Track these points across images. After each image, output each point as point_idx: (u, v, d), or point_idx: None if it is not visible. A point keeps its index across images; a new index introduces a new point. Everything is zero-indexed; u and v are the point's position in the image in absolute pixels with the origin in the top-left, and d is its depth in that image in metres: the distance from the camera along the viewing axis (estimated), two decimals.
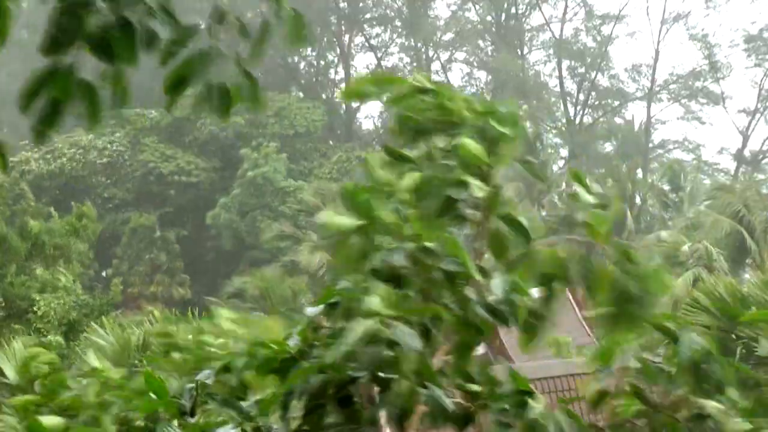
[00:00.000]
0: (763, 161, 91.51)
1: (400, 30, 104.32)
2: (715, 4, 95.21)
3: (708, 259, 39.86)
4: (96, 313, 25.11)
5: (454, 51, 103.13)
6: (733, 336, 18.39)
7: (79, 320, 24.81)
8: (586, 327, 45.88)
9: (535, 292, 4.52)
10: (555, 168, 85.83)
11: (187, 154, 75.87)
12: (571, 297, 46.71)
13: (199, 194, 75.58)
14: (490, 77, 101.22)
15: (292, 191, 70.22)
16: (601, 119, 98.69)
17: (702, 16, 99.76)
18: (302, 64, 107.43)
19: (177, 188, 74.60)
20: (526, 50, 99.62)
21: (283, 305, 44.28)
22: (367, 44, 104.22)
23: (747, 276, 42.50)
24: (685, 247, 41.55)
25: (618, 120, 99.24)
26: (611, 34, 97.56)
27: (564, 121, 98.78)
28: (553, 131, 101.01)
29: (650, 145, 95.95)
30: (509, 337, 41.44)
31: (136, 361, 20.93)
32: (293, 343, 4.57)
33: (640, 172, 78.48)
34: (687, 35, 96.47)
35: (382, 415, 4.17)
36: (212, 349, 5.87)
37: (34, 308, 24.39)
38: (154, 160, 74.68)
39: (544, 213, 66.36)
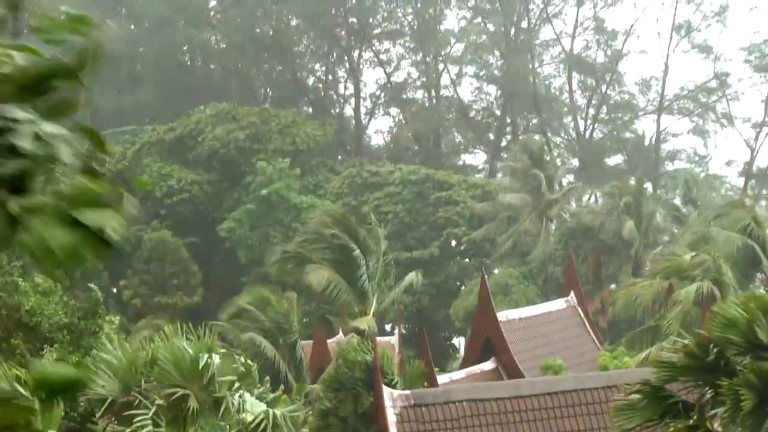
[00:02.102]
0: None
1: (409, 45, 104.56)
2: (721, 18, 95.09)
3: (717, 273, 39.70)
4: (89, 316, 24.46)
5: (464, 65, 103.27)
6: None
7: (73, 323, 24.09)
8: (596, 340, 45.80)
9: None
10: (564, 181, 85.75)
11: (182, 171, 75.88)
12: (581, 312, 46.80)
13: (197, 209, 75.72)
14: (499, 91, 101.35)
15: (305, 208, 70.13)
16: (611, 133, 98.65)
17: (709, 29, 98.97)
18: (311, 79, 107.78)
19: (169, 208, 74.62)
20: (536, 64, 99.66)
21: (275, 323, 44.29)
22: (376, 59, 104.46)
23: (760, 291, 42.31)
24: (687, 257, 41.42)
25: (628, 134, 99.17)
26: (622, 48, 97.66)
27: (574, 134, 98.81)
28: (563, 145, 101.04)
29: (660, 159, 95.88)
30: (519, 352, 41.32)
31: (143, 378, 20.87)
32: None
33: (650, 186, 78.41)
34: (695, 49, 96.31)
35: None
36: None
37: (30, 318, 23.26)
38: (150, 182, 74.78)
39: (553, 226, 66.30)
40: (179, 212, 74.61)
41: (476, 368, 40.63)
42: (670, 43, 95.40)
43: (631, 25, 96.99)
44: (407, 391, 25.44)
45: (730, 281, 39.58)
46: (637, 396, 16.65)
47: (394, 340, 50.32)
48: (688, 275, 40.60)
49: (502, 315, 43.32)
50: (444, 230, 72.87)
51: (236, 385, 20.86)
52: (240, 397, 20.87)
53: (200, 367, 20.31)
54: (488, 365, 41.05)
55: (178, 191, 74.54)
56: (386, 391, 24.67)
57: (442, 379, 38.06)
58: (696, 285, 39.25)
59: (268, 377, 27.53)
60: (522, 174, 66.41)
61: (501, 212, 67.33)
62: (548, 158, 68.17)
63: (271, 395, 23.82)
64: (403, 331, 61.61)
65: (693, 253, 41.79)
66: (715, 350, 15.58)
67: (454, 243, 74.46)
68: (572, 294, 47.00)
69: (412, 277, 51.79)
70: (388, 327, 68.87)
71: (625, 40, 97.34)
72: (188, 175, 75.43)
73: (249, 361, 22.98)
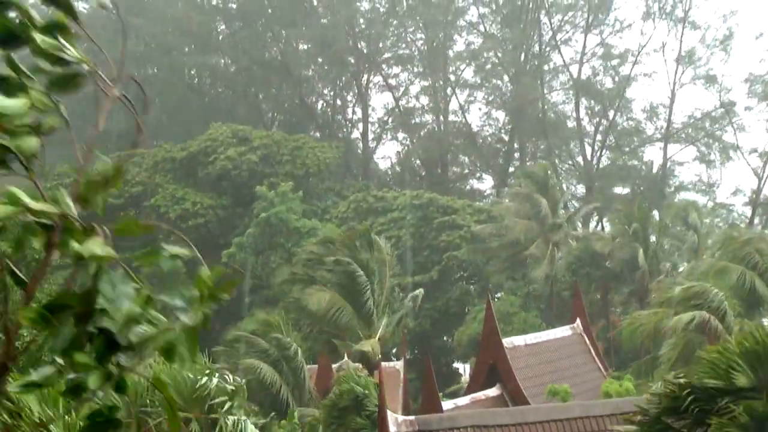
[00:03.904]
0: None
1: (418, 70, 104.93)
2: (725, 46, 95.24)
3: (717, 302, 39.58)
4: None
5: (473, 91, 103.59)
6: None
7: None
8: (602, 368, 45.65)
9: None
10: (571, 208, 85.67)
11: (196, 194, 76.28)
12: (587, 338, 46.66)
13: (210, 233, 75.99)
14: (508, 117, 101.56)
15: (306, 232, 70.23)
16: (619, 161, 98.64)
17: (714, 57, 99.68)
18: (320, 104, 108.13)
19: (185, 231, 74.95)
20: (545, 90, 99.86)
21: (278, 348, 44.32)
22: (384, 84, 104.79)
23: (765, 321, 42.16)
24: (688, 287, 41.33)
25: (635, 161, 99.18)
26: (629, 74, 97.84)
27: (581, 160, 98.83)
28: (571, 171, 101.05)
29: (667, 187, 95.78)
30: (525, 378, 41.19)
31: (147, 401, 20.84)
32: None
33: (656, 214, 78.26)
34: (702, 77, 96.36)
35: None
36: None
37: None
38: (164, 204, 75.22)
39: (559, 254, 66.18)
40: (191, 237, 74.74)
41: (481, 394, 40.53)
42: (676, 71, 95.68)
43: (638, 52, 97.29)
44: (412, 417, 25.34)
45: (731, 312, 39.44)
46: (633, 427, 16.58)
47: (399, 365, 50.25)
48: (692, 304, 40.52)
49: (508, 341, 43.26)
50: (446, 253, 72.88)
51: (230, 404, 20.83)
52: (243, 422, 20.82)
53: (203, 392, 20.33)
54: (493, 391, 40.95)
55: (193, 215, 74.84)
56: (391, 416, 24.57)
57: (446, 404, 37.94)
58: (690, 315, 39.18)
59: (262, 401, 27.46)
60: (526, 199, 66.52)
61: (504, 235, 67.41)
62: (553, 183, 68.18)
63: (262, 420, 23.74)
64: (408, 356, 61.51)
65: (694, 284, 41.71)
66: (690, 397, 15.54)
67: (455, 267, 74.42)
68: (578, 321, 46.93)
69: (416, 294, 51.85)
70: (393, 351, 68.71)
71: (633, 66, 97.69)
72: (203, 199, 75.78)
73: (237, 378, 22.98)
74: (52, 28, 3.31)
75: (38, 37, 3.26)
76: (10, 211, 3.16)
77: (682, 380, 15.92)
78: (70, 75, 3.38)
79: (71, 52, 3.35)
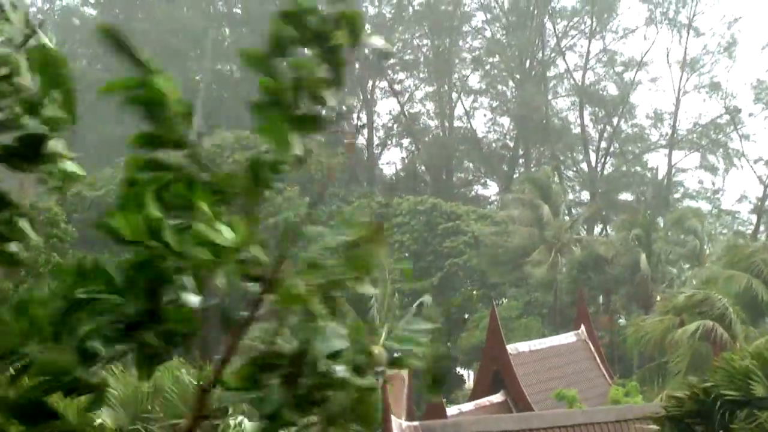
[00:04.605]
0: None
1: (424, 76, 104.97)
2: (732, 53, 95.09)
3: (722, 310, 39.45)
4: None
5: (477, 97, 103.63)
6: None
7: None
8: (607, 375, 45.56)
9: None
10: (574, 213, 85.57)
11: None
12: (591, 344, 46.52)
13: None
14: (513, 123, 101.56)
15: (314, 238, 70.18)
16: (623, 167, 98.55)
17: (718, 64, 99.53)
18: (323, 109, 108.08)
19: None
20: (549, 96, 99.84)
21: None
22: (389, 89, 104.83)
23: None
24: (692, 295, 41.21)
25: (639, 168, 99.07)
26: (633, 80, 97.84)
27: (585, 167, 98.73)
28: (575, 177, 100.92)
29: (671, 194, 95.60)
30: (529, 385, 41.11)
31: (149, 407, 20.78)
32: None
33: (661, 221, 78.17)
34: (706, 85, 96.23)
35: None
36: None
37: None
38: None
39: (562, 259, 66.10)
40: None
41: (485, 400, 40.46)
42: (681, 77, 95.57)
43: (641, 58, 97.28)
44: (416, 423, 25.30)
45: (736, 320, 39.33)
46: (655, 427, 16.57)
47: (403, 371, 50.19)
48: (697, 312, 40.42)
49: (512, 347, 43.18)
50: (449, 259, 72.80)
51: (231, 409, 20.78)
52: (240, 424, 20.76)
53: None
54: (497, 397, 40.88)
55: None
56: (395, 422, 24.53)
57: (451, 410, 37.86)
58: (695, 324, 39.08)
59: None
60: (529, 205, 66.55)
61: (507, 240, 67.40)
62: (556, 188, 68.09)
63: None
64: None
65: (698, 291, 41.61)
66: (719, 401, 15.52)
67: (460, 273, 74.36)
68: (582, 328, 46.83)
69: (423, 300, 51.76)
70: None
71: (636, 71, 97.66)
72: None
73: None
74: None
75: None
76: (230, 248, 2.81)
77: (706, 385, 15.96)
78: (311, 116, 3.07)
79: (329, 93, 3.07)
